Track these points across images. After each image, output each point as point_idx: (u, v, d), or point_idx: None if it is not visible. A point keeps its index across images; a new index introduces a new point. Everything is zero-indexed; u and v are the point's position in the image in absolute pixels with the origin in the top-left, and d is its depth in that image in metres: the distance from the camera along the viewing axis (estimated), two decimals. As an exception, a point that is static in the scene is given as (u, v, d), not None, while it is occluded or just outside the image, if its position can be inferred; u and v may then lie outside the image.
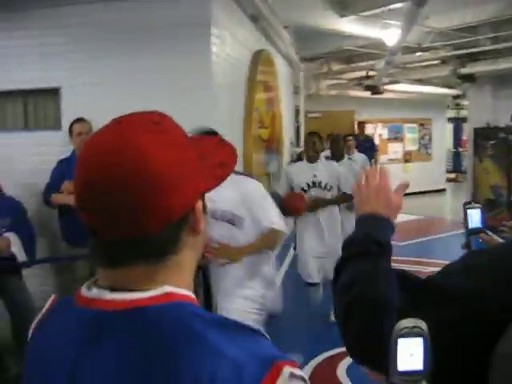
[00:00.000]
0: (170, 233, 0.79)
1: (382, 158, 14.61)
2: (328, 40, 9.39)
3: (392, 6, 6.96)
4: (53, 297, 0.94)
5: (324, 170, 5.12)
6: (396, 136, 15.97)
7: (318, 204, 5.00)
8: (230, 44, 5.60)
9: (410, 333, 0.85)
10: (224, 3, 5.39)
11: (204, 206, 0.86)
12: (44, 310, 0.92)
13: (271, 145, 7.87)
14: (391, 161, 15.29)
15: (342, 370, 4.18)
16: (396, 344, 0.86)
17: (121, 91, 4.94)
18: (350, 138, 7.71)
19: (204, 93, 4.93)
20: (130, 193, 0.75)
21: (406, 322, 0.86)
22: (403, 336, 0.86)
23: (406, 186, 1.32)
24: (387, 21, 7.77)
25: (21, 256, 4.17)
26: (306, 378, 0.76)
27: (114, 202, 0.75)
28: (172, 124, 0.84)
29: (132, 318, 0.76)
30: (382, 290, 1.06)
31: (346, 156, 6.41)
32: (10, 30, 5.19)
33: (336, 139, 6.42)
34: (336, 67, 12.03)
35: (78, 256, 4.56)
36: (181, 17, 4.91)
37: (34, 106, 5.46)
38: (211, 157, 0.87)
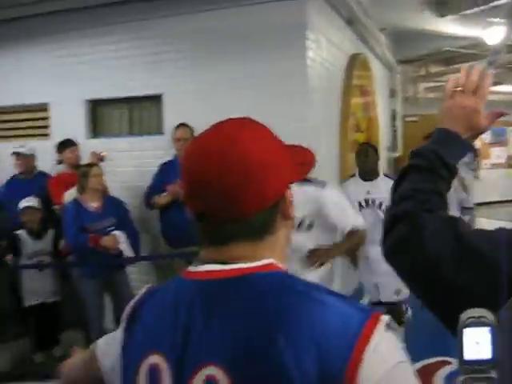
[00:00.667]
0: (267, 216, 0.94)
1: (484, 162, 13.98)
2: (426, 41, 9.15)
3: (495, 3, 6.68)
4: (150, 285, 1.09)
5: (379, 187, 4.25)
6: (499, 139, 15.22)
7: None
8: (325, 48, 5.62)
9: (477, 322, 0.86)
10: (319, 7, 5.41)
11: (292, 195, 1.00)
12: (143, 292, 1.06)
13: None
14: (494, 166, 14.60)
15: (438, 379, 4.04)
16: (462, 334, 0.87)
17: (220, 97, 5.09)
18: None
19: (299, 97, 4.97)
20: (235, 180, 0.89)
21: (472, 312, 0.87)
22: (469, 326, 0.86)
23: (501, 114, 1.22)
24: (489, 19, 7.46)
25: (128, 253, 4.42)
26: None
27: (217, 189, 0.90)
28: (262, 125, 1.00)
29: (242, 283, 0.90)
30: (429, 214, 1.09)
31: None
32: (118, 42, 5.50)
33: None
34: (434, 69, 11.68)
35: (178, 254, 4.76)
36: (277, 22, 4.98)
37: (139, 112, 5.75)
38: (295, 155, 1.03)
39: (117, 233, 4.41)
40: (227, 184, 0.89)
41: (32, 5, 5.31)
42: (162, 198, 4.78)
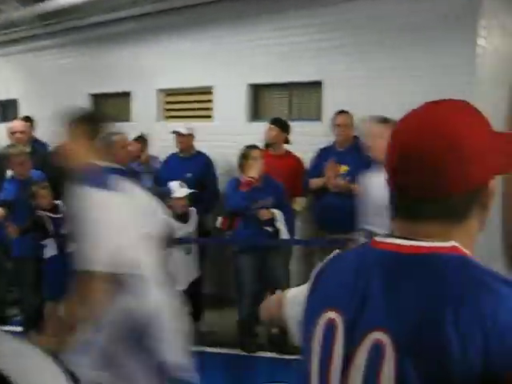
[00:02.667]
0: (466, 199, 0.95)
1: None
2: None
3: None
4: (335, 252, 1.15)
5: None
6: None
7: None
8: (498, 36, 5.27)
9: None
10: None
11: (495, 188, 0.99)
12: (330, 256, 1.14)
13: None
14: None
15: None
16: None
17: (380, 87, 5.00)
18: None
19: (467, 87, 4.72)
20: (441, 160, 0.92)
21: None
22: None
23: None
24: None
25: (284, 233, 4.50)
26: None
27: (425, 166, 0.93)
28: (477, 111, 1.00)
29: (426, 261, 0.92)
30: None
31: None
32: (282, 29, 5.60)
33: None
34: None
35: (332, 240, 4.76)
36: (446, 8, 4.77)
37: (299, 98, 5.82)
38: (507, 146, 1.00)
39: (275, 211, 4.51)
40: (435, 162, 0.92)
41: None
42: (318, 181, 4.82)
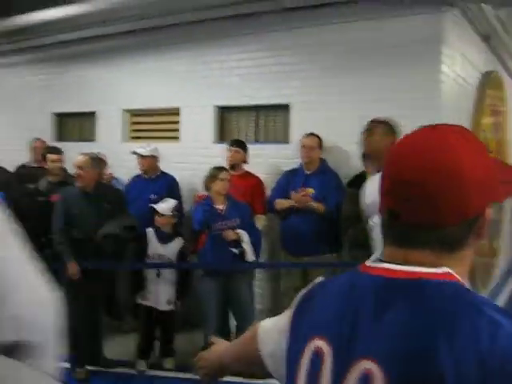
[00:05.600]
0: (463, 229, 0.91)
1: None
2: None
3: None
4: (319, 278, 1.12)
5: None
6: None
7: None
8: (459, 64, 5.42)
9: None
10: (456, 22, 5.23)
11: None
12: (314, 283, 1.10)
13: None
14: None
15: None
16: None
17: (347, 109, 5.06)
18: None
19: (431, 113, 4.81)
20: (440, 187, 0.88)
21: None
22: None
23: None
24: None
25: (250, 255, 4.48)
26: None
27: (424, 192, 0.89)
28: (475, 136, 0.97)
29: (417, 286, 0.89)
30: None
31: None
32: (249, 51, 5.65)
33: None
34: None
35: (297, 263, 4.76)
36: (411, 35, 4.88)
37: (265, 120, 5.85)
38: (501, 173, 0.99)
39: (241, 231, 4.49)
40: (431, 189, 0.89)
41: (176, 14, 5.56)
42: (285, 202, 4.82)
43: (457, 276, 0.91)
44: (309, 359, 0.97)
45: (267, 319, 1.29)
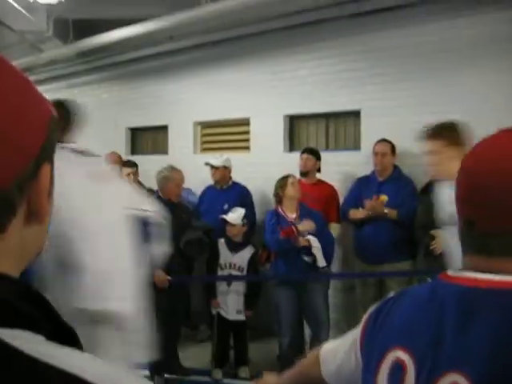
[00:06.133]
0: None
1: None
2: None
3: None
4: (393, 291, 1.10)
5: None
6: None
7: None
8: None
9: None
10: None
11: None
12: (390, 295, 1.08)
13: None
14: None
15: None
16: None
17: (421, 114, 4.91)
18: None
19: (507, 113, 4.60)
20: (510, 193, 0.85)
21: None
22: None
23: None
24: None
25: (321, 261, 4.43)
26: None
27: (496, 197, 0.86)
28: None
29: (504, 295, 0.85)
30: None
31: None
32: (319, 59, 5.62)
33: None
34: None
35: (371, 274, 4.66)
36: (487, 34, 4.67)
37: (336, 128, 5.80)
38: None
39: (311, 237, 4.44)
40: (505, 195, 0.86)
41: (243, 26, 5.62)
42: (359, 213, 4.75)
43: None
44: (389, 370, 0.94)
45: (330, 341, 1.29)
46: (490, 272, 0.88)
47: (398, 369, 0.92)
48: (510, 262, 0.88)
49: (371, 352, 1.01)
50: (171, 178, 4.87)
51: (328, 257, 4.60)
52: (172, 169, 4.96)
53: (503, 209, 0.87)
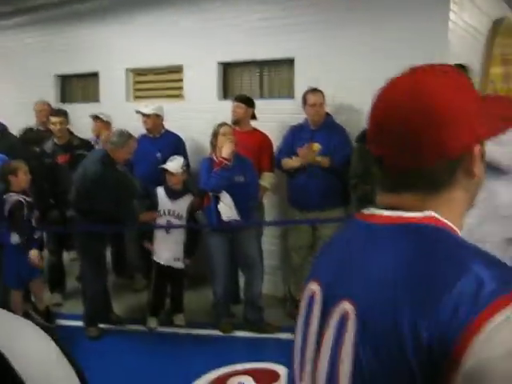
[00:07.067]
0: (445, 168, 0.89)
1: None
2: None
3: None
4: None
5: None
6: None
7: None
8: (468, 11, 5.25)
9: None
10: (465, -33, 5.05)
11: (483, 153, 0.93)
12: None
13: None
14: None
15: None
16: None
17: (353, 62, 4.94)
18: None
19: (440, 62, 4.69)
20: (415, 128, 0.86)
21: None
22: None
23: None
24: None
25: (225, 215, 4.50)
26: None
27: (401, 135, 0.88)
28: (459, 74, 0.94)
29: (400, 230, 0.88)
30: None
31: None
32: (251, 5, 5.50)
33: None
34: None
35: (304, 220, 4.75)
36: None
37: (270, 76, 5.75)
38: (495, 109, 0.93)
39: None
40: (406, 130, 0.87)
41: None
42: (292, 161, 4.78)
43: (443, 220, 0.89)
44: (305, 301, 1.02)
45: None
46: (393, 208, 0.91)
47: (311, 299, 0.99)
48: (412, 198, 0.90)
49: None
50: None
51: (248, 206, 4.64)
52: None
53: (404, 145, 0.88)
